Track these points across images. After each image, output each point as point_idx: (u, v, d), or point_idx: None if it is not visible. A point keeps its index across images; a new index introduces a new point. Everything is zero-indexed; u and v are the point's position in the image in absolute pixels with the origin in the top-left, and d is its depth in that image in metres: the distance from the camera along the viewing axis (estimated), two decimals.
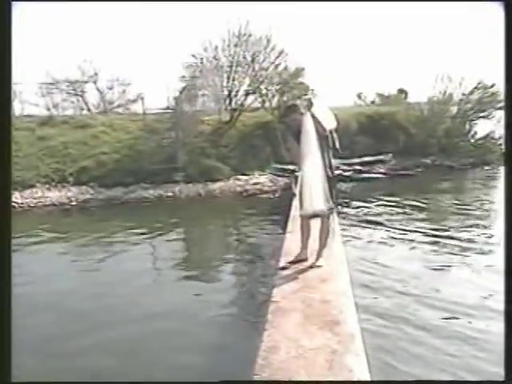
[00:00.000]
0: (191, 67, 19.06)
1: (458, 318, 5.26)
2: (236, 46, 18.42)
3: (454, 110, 21.27)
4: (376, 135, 19.55)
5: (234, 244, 10.22)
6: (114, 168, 15.93)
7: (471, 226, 9.79)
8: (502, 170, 16.34)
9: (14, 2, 2.61)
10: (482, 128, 21.10)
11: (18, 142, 16.20)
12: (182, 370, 4.53)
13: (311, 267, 4.72)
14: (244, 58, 18.51)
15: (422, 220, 10.76)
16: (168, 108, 18.13)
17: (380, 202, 12.87)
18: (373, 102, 27.54)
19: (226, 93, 19.17)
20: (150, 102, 23.18)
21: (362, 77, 38.61)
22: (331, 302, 3.91)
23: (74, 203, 14.52)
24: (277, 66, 18.59)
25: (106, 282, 7.36)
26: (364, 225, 10.32)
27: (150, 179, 15.48)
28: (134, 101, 22.70)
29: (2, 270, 2.38)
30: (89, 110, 23.15)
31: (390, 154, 18.46)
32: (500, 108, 19.39)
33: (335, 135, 4.69)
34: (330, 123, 4.54)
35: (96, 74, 23.27)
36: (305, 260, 4.86)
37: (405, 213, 11.47)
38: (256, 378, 2.81)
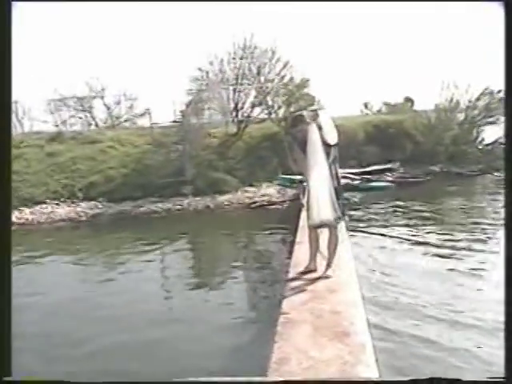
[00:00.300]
0: (197, 80, 19.22)
1: None
2: (241, 58, 18.57)
3: (461, 116, 21.22)
4: (383, 144, 19.53)
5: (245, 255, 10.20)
6: (123, 182, 16.02)
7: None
8: None
9: (13, 2, 2.63)
10: (489, 134, 21.00)
11: (28, 158, 16.38)
12: None
13: (320, 278, 4.70)
14: (250, 70, 18.65)
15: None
16: (175, 121, 18.24)
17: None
18: (379, 111, 27.55)
19: (232, 105, 19.29)
20: (157, 115, 23.31)
21: (368, 86, 38.78)
22: (341, 313, 3.88)
23: (83, 218, 14.57)
24: (282, 78, 18.68)
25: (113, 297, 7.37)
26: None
27: (159, 193, 15.53)
28: (141, 115, 22.87)
29: (2, 270, 2.35)
30: (96, 125, 23.36)
31: (398, 163, 18.41)
32: None
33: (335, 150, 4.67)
34: (332, 138, 4.55)
35: (103, 90, 23.53)
36: (314, 271, 4.84)
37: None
38: None
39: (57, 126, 21.70)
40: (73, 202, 15.30)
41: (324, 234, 4.82)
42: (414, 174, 18.44)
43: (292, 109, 17.92)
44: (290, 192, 15.36)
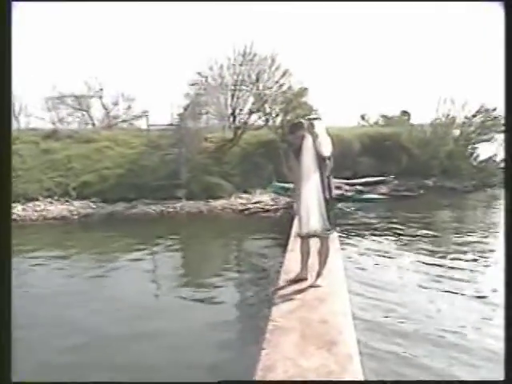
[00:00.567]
0: (196, 85, 19.24)
1: None
2: (241, 64, 18.62)
3: (457, 132, 21.38)
4: (379, 156, 19.62)
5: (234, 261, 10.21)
6: (117, 183, 15.99)
7: None
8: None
9: (14, 2, 2.64)
10: (484, 151, 21.18)
11: (23, 154, 16.32)
12: None
13: (311, 287, 4.72)
14: (249, 76, 18.70)
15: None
16: (172, 124, 18.25)
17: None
18: (376, 123, 27.67)
19: (229, 111, 19.32)
20: (155, 118, 23.35)
21: (365, 98, 38.85)
22: (329, 322, 3.89)
23: (75, 217, 14.51)
24: (281, 86, 18.75)
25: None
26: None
27: (153, 195, 15.51)
28: (139, 116, 22.85)
29: (2, 271, 2.35)
30: (93, 124, 23.32)
31: (392, 176, 18.48)
32: (502, 131, 19.48)
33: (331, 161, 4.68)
34: (327, 150, 4.56)
35: (102, 90, 23.51)
36: (305, 279, 4.86)
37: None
38: None
39: (53, 123, 21.64)
40: (66, 201, 15.25)
41: (315, 244, 4.84)
42: (408, 186, 18.51)
43: (289, 117, 18.00)
44: (284, 200, 15.37)
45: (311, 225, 4.46)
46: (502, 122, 19.61)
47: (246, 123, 19.19)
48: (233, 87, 18.99)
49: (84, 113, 23.27)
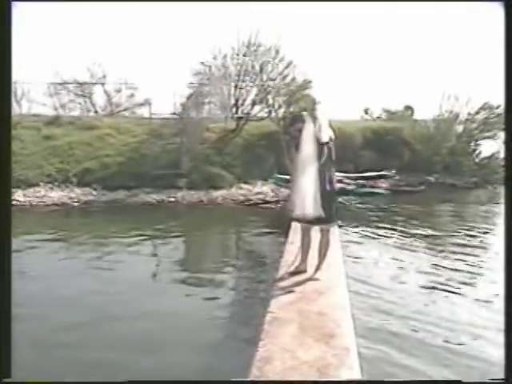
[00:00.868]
0: (199, 74, 19.16)
1: None
2: (245, 55, 18.53)
3: (460, 128, 21.32)
4: (381, 150, 19.59)
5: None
6: (118, 171, 15.98)
7: None
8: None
9: (14, 2, 2.63)
10: (486, 148, 21.14)
11: (24, 140, 16.29)
12: None
13: (310, 279, 4.71)
14: (252, 67, 18.61)
15: None
16: (174, 114, 18.20)
17: None
18: (379, 117, 27.61)
19: (232, 101, 19.26)
20: (157, 106, 23.28)
21: (369, 92, 38.68)
22: (328, 315, 3.89)
23: (76, 204, 14.52)
24: (285, 77, 18.66)
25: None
26: None
27: (153, 184, 15.51)
28: (141, 105, 22.81)
29: (2, 271, 2.34)
30: (95, 111, 23.27)
31: (394, 170, 18.47)
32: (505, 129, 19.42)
33: (331, 145, 4.65)
34: (325, 136, 4.54)
35: (104, 77, 23.46)
36: (304, 272, 4.85)
37: None
38: None
39: (55, 109, 21.59)
40: (67, 187, 15.24)
41: (316, 237, 4.83)
42: (409, 182, 18.51)
43: (292, 109, 17.93)
44: (285, 192, 15.36)
45: (306, 209, 4.42)
46: None
47: (248, 114, 19.14)
48: (236, 78, 18.92)
49: (86, 99, 23.21)
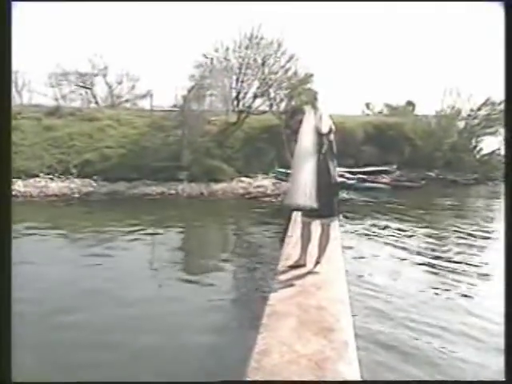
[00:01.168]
0: (201, 67, 19.08)
1: None
2: (247, 48, 18.45)
3: (462, 124, 21.27)
4: (382, 145, 19.55)
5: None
6: (119, 162, 15.96)
7: None
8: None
9: (14, 2, 2.61)
10: (487, 144, 21.08)
11: (24, 130, 16.25)
12: None
13: (309, 273, 4.70)
14: (254, 60, 18.54)
15: None
16: (176, 106, 18.15)
17: None
18: (380, 112, 27.54)
19: (234, 94, 19.21)
20: (158, 99, 23.24)
21: (370, 87, 38.54)
22: (327, 309, 3.89)
23: (76, 195, 14.51)
24: (286, 71, 18.60)
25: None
26: None
27: (154, 176, 15.49)
28: (143, 97, 22.77)
29: (2, 271, 2.33)
30: (96, 103, 23.23)
31: (394, 166, 18.44)
32: None
33: (331, 137, 4.63)
34: (325, 127, 4.51)
35: (106, 68, 23.40)
36: (303, 265, 4.84)
37: None
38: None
39: (56, 100, 21.55)
40: (67, 178, 15.22)
41: (316, 231, 4.81)
42: (410, 177, 18.49)
43: (293, 103, 17.87)
44: (285, 185, 15.35)
45: (297, 197, 4.36)
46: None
47: (249, 107, 19.09)
48: (238, 70, 18.85)
49: (87, 91, 23.16)
